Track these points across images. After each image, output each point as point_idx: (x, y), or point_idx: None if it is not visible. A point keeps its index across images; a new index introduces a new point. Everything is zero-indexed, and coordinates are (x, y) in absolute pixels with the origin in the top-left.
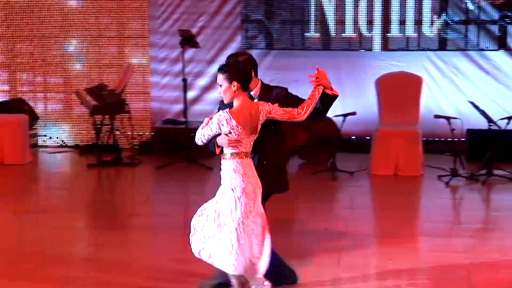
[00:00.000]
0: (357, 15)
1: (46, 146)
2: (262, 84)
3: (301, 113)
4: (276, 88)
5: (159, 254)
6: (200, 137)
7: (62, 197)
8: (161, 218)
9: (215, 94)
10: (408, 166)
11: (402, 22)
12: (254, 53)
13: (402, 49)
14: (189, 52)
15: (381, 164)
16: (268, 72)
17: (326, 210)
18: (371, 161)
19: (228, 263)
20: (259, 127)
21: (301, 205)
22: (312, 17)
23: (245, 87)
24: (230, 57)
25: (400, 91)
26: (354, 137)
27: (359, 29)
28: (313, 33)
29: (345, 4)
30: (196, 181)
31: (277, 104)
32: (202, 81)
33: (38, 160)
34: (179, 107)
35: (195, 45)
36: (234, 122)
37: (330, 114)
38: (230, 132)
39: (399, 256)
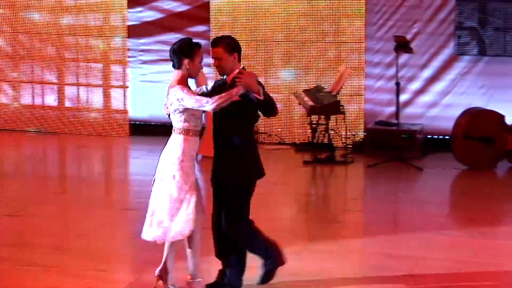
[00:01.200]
0: None
1: (265, 143)
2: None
3: (209, 102)
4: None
5: (369, 248)
6: None
7: (279, 190)
8: (370, 214)
9: (427, 98)
10: None
11: None
12: (466, 58)
13: None
14: (403, 57)
15: None
16: (480, 77)
17: None
18: None
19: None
20: (169, 108)
21: (509, 207)
22: None
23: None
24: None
25: None
26: None
27: None
28: None
29: None
30: (406, 180)
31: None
32: (415, 85)
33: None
34: (391, 109)
35: (409, 50)
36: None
37: None
38: None
39: None
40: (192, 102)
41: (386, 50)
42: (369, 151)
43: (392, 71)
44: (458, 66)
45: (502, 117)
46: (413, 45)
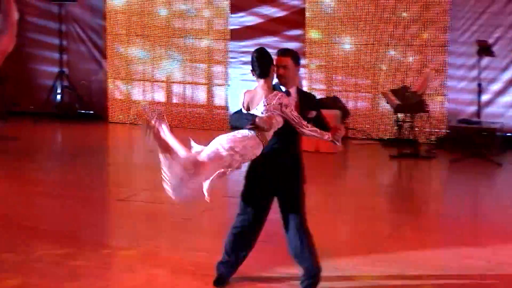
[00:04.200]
0: None
1: (354, 138)
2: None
3: (307, 128)
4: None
5: (450, 237)
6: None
7: (367, 182)
8: (450, 206)
9: (507, 98)
10: None
11: None
12: None
13: None
14: (485, 60)
15: None
16: None
17: None
18: None
19: None
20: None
21: None
22: None
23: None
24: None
25: None
26: None
27: None
28: None
29: None
30: (485, 175)
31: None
32: (495, 86)
33: (348, 150)
34: (472, 108)
35: (490, 54)
36: None
37: None
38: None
39: None
40: (294, 115)
41: (468, 53)
42: (451, 147)
43: (474, 73)
44: None
45: None
46: (495, 49)
